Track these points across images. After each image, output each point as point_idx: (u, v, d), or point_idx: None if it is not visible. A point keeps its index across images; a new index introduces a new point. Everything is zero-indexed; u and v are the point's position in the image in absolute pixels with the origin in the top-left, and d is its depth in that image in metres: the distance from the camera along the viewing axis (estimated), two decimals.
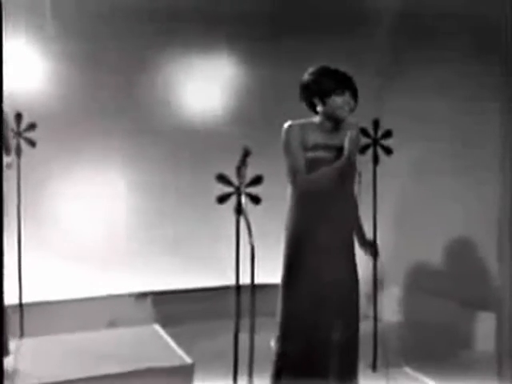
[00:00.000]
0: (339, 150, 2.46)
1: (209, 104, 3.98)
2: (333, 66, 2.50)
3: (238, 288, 2.34)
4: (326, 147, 2.47)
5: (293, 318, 2.49)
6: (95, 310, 3.58)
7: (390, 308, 3.71)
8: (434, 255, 3.76)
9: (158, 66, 3.82)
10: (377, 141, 3.19)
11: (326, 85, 2.44)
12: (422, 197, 3.74)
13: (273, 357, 2.53)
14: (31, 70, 3.58)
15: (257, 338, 2.32)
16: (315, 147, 2.46)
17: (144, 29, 3.63)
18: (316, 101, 2.48)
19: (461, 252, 3.67)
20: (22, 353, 2.96)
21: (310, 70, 2.51)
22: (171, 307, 3.77)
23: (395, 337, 3.41)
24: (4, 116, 2.43)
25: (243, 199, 2.30)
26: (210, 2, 3.67)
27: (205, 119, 3.94)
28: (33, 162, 3.33)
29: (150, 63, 3.77)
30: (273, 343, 2.54)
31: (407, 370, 3.12)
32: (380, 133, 3.20)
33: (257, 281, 2.29)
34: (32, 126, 3.30)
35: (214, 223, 3.46)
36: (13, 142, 3.18)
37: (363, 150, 3.12)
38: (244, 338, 2.33)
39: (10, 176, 3.12)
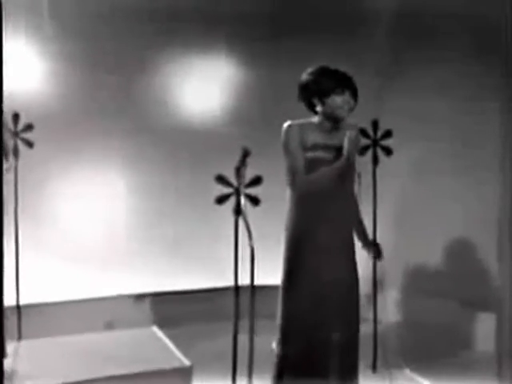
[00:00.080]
0: (338, 150, 2.45)
1: (208, 104, 3.97)
2: (332, 66, 2.49)
3: (237, 289, 2.33)
4: (325, 147, 2.47)
5: (293, 318, 2.48)
6: (93, 312, 3.57)
7: (390, 308, 3.70)
8: (434, 255, 3.76)
9: (157, 66, 3.81)
10: (376, 141, 3.19)
11: (325, 84, 2.43)
12: (422, 197, 3.74)
13: (274, 358, 2.52)
14: (29, 70, 3.57)
15: (256, 339, 2.31)
16: (315, 147, 2.46)
17: (143, 29, 3.62)
18: (315, 101, 2.47)
19: (461, 252, 3.67)
20: (19, 355, 2.96)
21: (309, 69, 2.50)
22: (170, 308, 3.77)
23: (395, 337, 3.40)
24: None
25: (242, 200, 2.29)
26: (210, 2, 3.66)
27: (204, 119, 3.93)
28: (31, 163, 3.33)
29: (149, 63, 3.77)
30: (274, 345, 2.53)
31: (407, 370, 3.11)
32: (380, 133, 3.19)
33: (256, 282, 2.28)
34: (29, 127, 3.29)
35: (213, 224, 3.45)
36: (10, 143, 3.18)
37: (363, 150, 3.11)
38: (243, 339, 2.32)
39: (7, 177, 3.10)
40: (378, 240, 2.82)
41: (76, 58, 3.56)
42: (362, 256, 2.68)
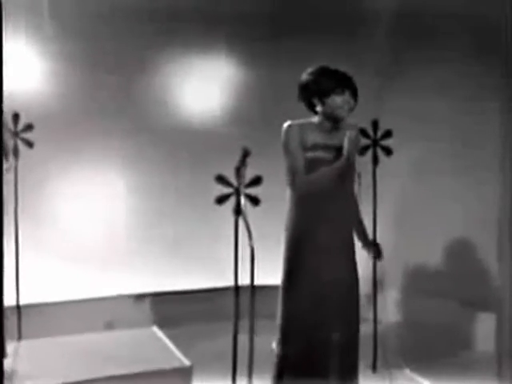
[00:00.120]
0: (338, 150, 2.45)
1: (208, 104, 3.97)
2: (333, 66, 2.49)
3: (237, 289, 2.33)
4: (325, 147, 2.47)
5: (293, 318, 2.48)
6: (93, 312, 3.57)
7: (390, 308, 3.70)
8: (434, 255, 3.76)
9: (157, 66, 3.81)
10: (376, 141, 3.18)
11: (325, 84, 2.43)
12: (422, 197, 3.74)
13: (274, 358, 2.52)
14: (29, 70, 3.57)
15: (256, 339, 2.31)
16: (315, 147, 2.46)
17: (143, 29, 3.62)
18: (315, 101, 2.47)
19: (461, 252, 3.67)
20: (19, 355, 2.96)
21: (309, 69, 2.50)
22: (170, 308, 3.76)
23: (395, 337, 3.40)
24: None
25: (242, 200, 2.29)
26: (210, 2, 3.66)
27: (204, 119, 3.93)
28: (31, 163, 3.32)
29: (149, 63, 3.77)
30: (274, 345, 2.53)
31: (407, 370, 3.11)
32: (380, 133, 3.19)
33: (256, 282, 2.28)
34: (29, 127, 3.29)
35: (213, 224, 3.45)
36: (10, 143, 3.17)
37: (363, 150, 3.11)
38: (243, 339, 2.32)
39: (7, 177, 3.10)
40: (378, 240, 2.82)
41: (76, 57, 3.56)
42: (362, 256, 2.68)
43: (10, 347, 2.89)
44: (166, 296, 3.82)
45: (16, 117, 3.27)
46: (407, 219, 3.84)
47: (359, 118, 2.62)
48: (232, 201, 2.30)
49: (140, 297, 3.81)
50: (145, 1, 3.58)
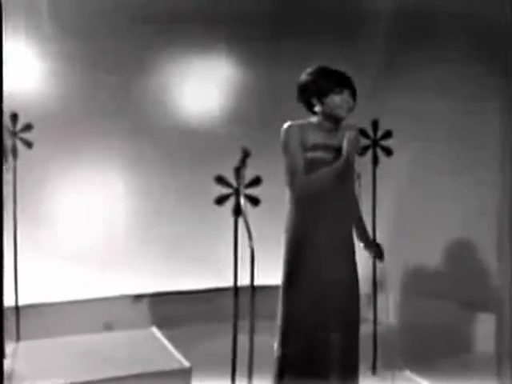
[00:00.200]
0: (338, 150, 2.44)
1: (208, 104, 3.96)
2: (332, 66, 2.48)
3: (236, 290, 2.32)
4: (325, 148, 2.46)
5: (294, 319, 2.47)
6: (92, 312, 3.56)
7: (390, 309, 3.70)
8: (434, 256, 3.75)
9: (156, 67, 3.80)
10: (376, 142, 3.18)
11: (323, 84, 2.43)
12: (422, 197, 3.73)
13: (274, 359, 2.52)
14: (29, 69, 3.56)
15: (256, 340, 2.30)
16: (314, 147, 2.45)
17: (143, 29, 3.61)
18: (314, 101, 2.47)
19: (460, 253, 3.66)
20: (18, 356, 2.95)
21: (308, 70, 2.50)
22: (169, 309, 3.76)
23: (395, 339, 3.39)
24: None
25: (242, 200, 2.28)
26: (210, 2, 3.65)
27: (204, 120, 3.92)
28: (30, 163, 3.32)
29: (149, 63, 3.76)
30: (276, 346, 2.52)
31: (407, 371, 3.10)
32: (380, 133, 3.18)
33: (256, 282, 2.28)
34: (28, 127, 3.28)
35: (213, 224, 3.44)
36: (8, 143, 3.17)
37: (363, 150, 3.10)
38: (243, 340, 2.31)
39: (6, 177, 3.09)
40: (378, 240, 2.82)
41: (75, 57, 3.55)
42: (362, 256, 2.67)
43: (8, 348, 2.88)
44: (166, 296, 3.81)
45: (15, 117, 3.26)
46: (407, 219, 3.84)
47: (359, 119, 2.62)
48: (232, 201, 2.30)
49: (139, 297, 3.80)
50: (144, 1, 3.57)
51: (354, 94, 2.45)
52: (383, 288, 3.28)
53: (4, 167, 2.03)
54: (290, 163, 2.45)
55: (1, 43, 1.81)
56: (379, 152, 3.18)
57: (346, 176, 2.46)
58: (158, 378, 2.80)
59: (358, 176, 2.51)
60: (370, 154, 3.17)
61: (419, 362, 3.17)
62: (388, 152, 3.17)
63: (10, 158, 3.17)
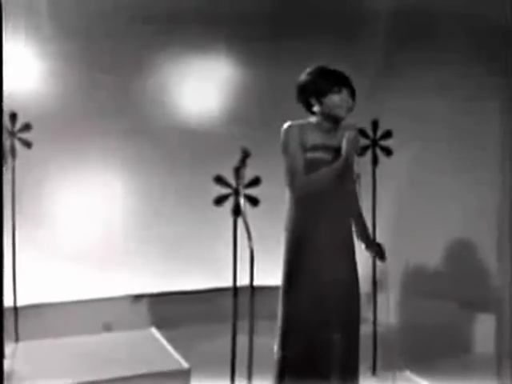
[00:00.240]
0: (337, 150, 2.44)
1: (207, 105, 3.96)
2: (332, 66, 2.48)
3: (236, 290, 2.32)
4: (324, 148, 2.46)
5: (294, 319, 2.47)
6: (91, 313, 3.56)
7: (390, 309, 3.69)
8: (434, 256, 3.75)
9: (156, 67, 3.80)
10: (376, 142, 3.17)
11: (322, 84, 2.43)
12: (422, 197, 3.73)
13: (275, 360, 2.51)
14: (27, 69, 3.55)
15: (256, 340, 2.30)
16: (314, 148, 2.45)
17: (142, 29, 3.60)
18: (313, 101, 2.47)
19: (460, 253, 3.66)
20: (17, 356, 2.94)
21: (307, 70, 2.50)
22: (168, 309, 3.75)
23: (395, 339, 3.39)
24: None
25: (241, 201, 2.28)
26: (209, 2, 3.65)
27: (203, 120, 3.92)
28: (29, 163, 3.31)
29: (148, 64, 3.75)
30: (276, 347, 2.52)
31: (407, 372, 3.10)
32: (379, 133, 3.18)
33: (256, 282, 2.27)
34: (27, 127, 3.27)
35: (212, 224, 3.43)
36: (7, 143, 3.16)
37: (362, 150, 3.09)
38: (243, 340, 2.31)
39: (5, 177, 3.09)
40: (378, 240, 2.81)
41: (74, 58, 3.55)
42: (362, 256, 2.67)
43: (7, 348, 2.87)
44: (165, 297, 3.81)
45: (13, 116, 3.25)
46: (407, 219, 3.84)
47: (358, 119, 2.61)
48: (231, 201, 2.29)
49: (138, 298, 3.79)
50: (144, 1, 3.57)
51: (352, 94, 2.45)
52: (383, 288, 3.28)
53: (3, 167, 2.02)
54: (289, 163, 2.45)
55: (1, 43, 1.80)
56: (379, 152, 3.17)
57: (345, 176, 2.46)
58: (157, 379, 2.80)
59: (358, 176, 2.51)
60: (369, 154, 3.17)
61: (419, 362, 3.17)
62: (388, 152, 3.16)
63: (9, 158, 3.16)
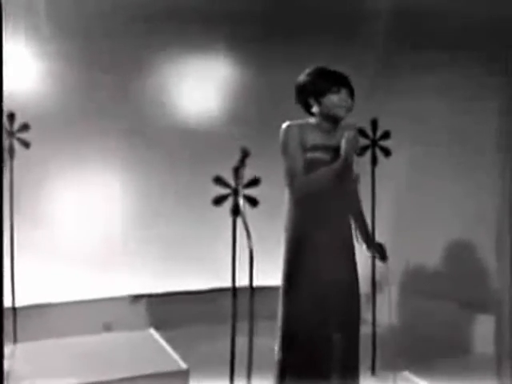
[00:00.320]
0: (337, 150, 2.44)
1: (206, 105, 3.96)
2: (331, 66, 2.48)
3: (235, 290, 2.31)
4: (323, 148, 2.46)
5: (294, 320, 2.47)
6: (90, 313, 3.55)
7: (389, 310, 3.69)
8: (433, 257, 3.75)
9: (155, 67, 3.79)
10: (375, 141, 3.17)
11: (321, 84, 2.43)
12: (421, 198, 3.73)
13: (275, 360, 2.51)
14: (26, 69, 3.55)
15: (255, 341, 2.29)
16: (314, 148, 2.45)
17: (141, 29, 3.60)
18: (312, 101, 2.46)
19: (460, 253, 3.66)
20: (16, 357, 2.94)
21: (306, 71, 2.50)
22: (167, 310, 3.75)
23: (394, 339, 3.39)
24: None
25: (241, 201, 2.27)
26: (208, 2, 3.64)
27: (202, 120, 3.92)
28: (27, 163, 3.30)
29: (147, 63, 3.75)
30: (277, 348, 2.51)
31: (406, 372, 3.10)
32: (378, 134, 3.18)
33: (256, 283, 2.27)
34: (25, 127, 3.26)
35: (211, 225, 3.43)
36: (5, 143, 3.15)
37: (361, 151, 3.09)
38: (242, 341, 2.30)
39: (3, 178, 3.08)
40: (378, 240, 2.80)
41: (73, 58, 3.54)
42: (362, 256, 2.66)
43: (6, 349, 2.86)
44: (164, 297, 3.80)
45: (12, 116, 3.24)
46: (406, 220, 3.84)
47: (357, 119, 2.61)
48: (230, 201, 2.29)
49: (137, 298, 3.79)
50: (142, 1, 3.56)
51: (351, 94, 2.45)
52: (383, 288, 3.27)
53: (2, 167, 2.01)
54: (289, 163, 2.45)
55: (1, 43, 1.79)
56: (378, 152, 3.17)
57: (344, 176, 2.45)
58: (155, 380, 2.79)
59: (357, 176, 2.50)
60: (368, 154, 3.16)
61: (418, 362, 3.17)
62: (386, 153, 3.16)
63: (7, 158, 3.15)
